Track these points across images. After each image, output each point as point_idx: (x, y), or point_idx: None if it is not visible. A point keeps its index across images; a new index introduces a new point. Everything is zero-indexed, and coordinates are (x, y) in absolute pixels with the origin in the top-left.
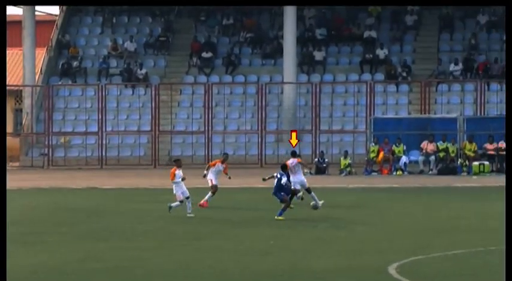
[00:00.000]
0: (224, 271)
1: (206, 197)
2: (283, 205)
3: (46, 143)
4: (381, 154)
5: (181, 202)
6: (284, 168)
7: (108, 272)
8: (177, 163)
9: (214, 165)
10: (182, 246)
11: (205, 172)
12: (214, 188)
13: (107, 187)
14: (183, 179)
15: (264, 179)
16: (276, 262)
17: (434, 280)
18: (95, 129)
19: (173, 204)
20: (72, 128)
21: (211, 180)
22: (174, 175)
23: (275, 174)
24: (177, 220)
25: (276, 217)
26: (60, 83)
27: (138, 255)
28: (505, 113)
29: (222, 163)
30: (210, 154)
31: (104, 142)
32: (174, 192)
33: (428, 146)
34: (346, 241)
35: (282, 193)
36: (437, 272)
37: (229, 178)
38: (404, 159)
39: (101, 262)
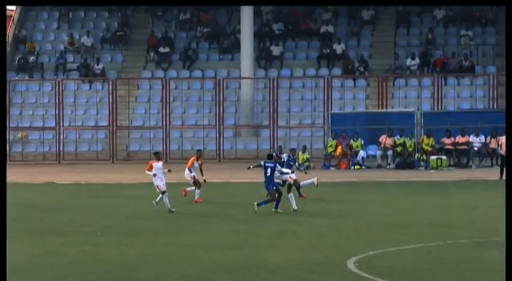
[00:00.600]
0: (182, 266)
1: (196, 195)
2: (268, 197)
3: (6, 132)
4: (339, 149)
5: (163, 193)
6: (270, 157)
7: (66, 267)
8: (157, 155)
9: (191, 165)
10: (141, 241)
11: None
12: (197, 182)
13: (64, 182)
14: (169, 171)
15: (248, 168)
16: (235, 257)
17: (392, 275)
18: (53, 124)
19: (157, 199)
20: (29, 124)
21: (194, 176)
22: (151, 166)
23: (261, 162)
24: (136, 216)
25: (256, 208)
26: (17, 78)
27: (96, 250)
28: (462, 108)
29: (197, 160)
30: (168, 149)
31: (61, 137)
32: (156, 184)
33: (386, 140)
34: (305, 235)
35: (274, 187)
36: (395, 266)
37: (204, 181)
38: (362, 153)
39: (59, 257)
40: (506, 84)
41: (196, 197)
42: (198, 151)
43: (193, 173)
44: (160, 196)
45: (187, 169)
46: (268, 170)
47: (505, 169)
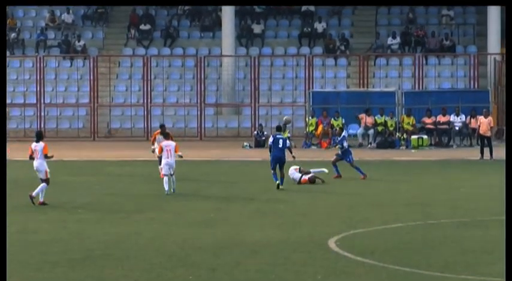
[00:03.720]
0: (164, 244)
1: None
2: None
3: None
4: (320, 128)
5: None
6: (280, 129)
7: (46, 244)
8: (165, 135)
9: (154, 139)
10: (122, 219)
11: (152, 146)
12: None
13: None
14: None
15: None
16: (215, 235)
17: (374, 254)
18: (34, 101)
19: (164, 185)
20: (10, 100)
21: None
22: (162, 147)
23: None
24: (117, 193)
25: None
26: None
27: (77, 227)
28: (443, 87)
29: (162, 134)
30: (149, 127)
31: (42, 114)
32: (161, 165)
33: (366, 119)
34: (286, 214)
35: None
36: (376, 245)
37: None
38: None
39: (39, 234)
40: (506, 84)
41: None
42: (162, 125)
43: (153, 147)
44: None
45: (151, 143)
46: (281, 142)
47: (485, 149)
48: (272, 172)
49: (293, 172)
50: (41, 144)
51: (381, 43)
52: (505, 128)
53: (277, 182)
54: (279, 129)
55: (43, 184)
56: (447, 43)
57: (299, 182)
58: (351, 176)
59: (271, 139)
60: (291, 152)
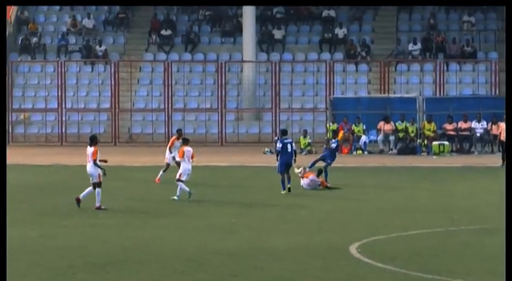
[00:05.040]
0: (184, 249)
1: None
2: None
3: (6, 119)
4: (341, 133)
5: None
6: (286, 133)
7: (68, 249)
8: (186, 141)
9: (172, 144)
10: (142, 224)
11: (169, 153)
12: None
13: (67, 163)
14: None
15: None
16: (236, 240)
17: (395, 260)
18: (55, 106)
19: (185, 188)
20: (32, 105)
21: (173, 157)
22: (183, 152)
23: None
24: (138, 198)
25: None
26: (19, 59)
27: (98, 232)
28: (464, 93)
29: (178, 139)
30: (170, 132)
31: (63, 118)
32: (181, 171)
33: (384, 126)
34: (307, 219)
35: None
36: (397, 252)
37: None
38: (364, 138)
39: (61, 239)
40: (506, 83)
41: (158, 177)
42: (178, 130)
43: (172, 154)
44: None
45: (168, 149)
46: (289, 146)
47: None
48: (281, 177)
49: (307, 181)
50: (91, 148)
51: (402, 49)
52: None
53: (289, 186)
54: (285, 133)
55: (89, 188)
56: (468, 49)
57: (320, 184)
58: (371, 183)
59: (279, 144)
60: (295, 156)
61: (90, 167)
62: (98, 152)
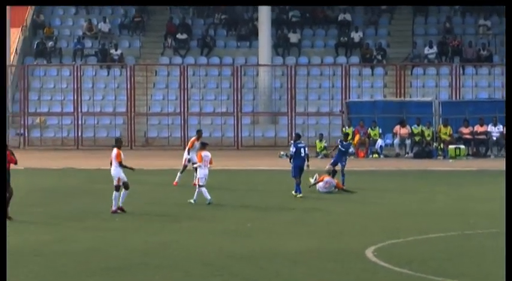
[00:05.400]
0: (201, 253)
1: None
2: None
3: (22, 123)
4: (357, 137)
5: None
6: (299, 137)
7: (84, 253)
8: (203, 146)
9: (192, 146)
10: (159, 228)
11: (187, 155)
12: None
13: (83, 167)
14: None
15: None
16: (253, 244)
17: (411, 264)
18: (71, 109)
19: (207, 195)
20: (47, 109)
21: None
22: (202, 157)
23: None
24: (155, 201)
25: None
26: (35, 63)
27: (114, 236)
28: (480, 97)
29: (198, 140)
30: (186, 136)
31: (79, 122)
32: (199, 176)
33: (400, 130)
34: (324, 223)
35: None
36: (414, 255)
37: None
38: (380, 142)
39: (77, 243)
40: (506, 83)
41: (176, 179)
42: (198, 131)
43: (190, 155)
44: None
45: (186, 150)
46: (302, 150)
47: None
48: (296, 181)
49: (322, 184)
50: (114, 151)
51: (418, 53)
52: None
53: (301, 195)
54: (298, 137)
55: (124, 191)
56: (484, 53)
57: (336, 186)
58: (388, 186)
59: (293, 148)
60: (308, 160)
61: (112, 169)
62: (122, 154)
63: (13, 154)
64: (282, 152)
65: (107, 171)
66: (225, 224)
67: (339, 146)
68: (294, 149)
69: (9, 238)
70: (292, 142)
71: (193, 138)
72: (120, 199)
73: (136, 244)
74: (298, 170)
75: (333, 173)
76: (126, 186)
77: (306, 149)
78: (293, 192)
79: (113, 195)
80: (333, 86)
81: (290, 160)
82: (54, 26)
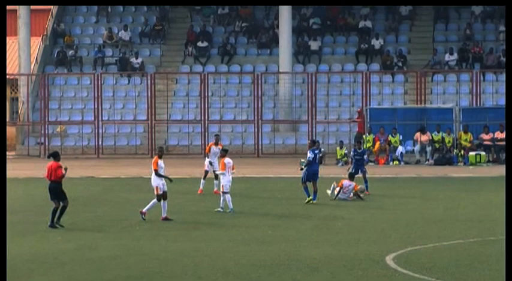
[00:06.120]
0: (221, 261)
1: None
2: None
3: (42, 132)
4: (377, 144)
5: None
6: (314, 143)
7: (104, 261)
8: (224, 152)
9: (209, 150)
10: (179, 236)
11: (208, 159)
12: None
13: (103, 176)
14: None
15: (301, 169)
16: (273, 252)
17: (432, 271)
18: (91, 118)
19: (230, 203)
20: (68, 117)
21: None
22: (224, 164)
23: (308, 157)
24: (174, 210)
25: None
26: (55, 72)
27: (134, 244)
28: (500, 104)
29: (216, 144)
30: (206, 144)
31: (100, 131)
32: (223, 183)
33: (421, 137)
34: (343, 230)
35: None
36: (434, 262)
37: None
38: (400, 149)
39: (97, 251)
40: (506, 83)
41: (200, 187)
42: (216, 135)
43: (209, 160)
44: (226, 196)
45: (206, 155)
46: (317, 156)
47: None
48: (304, 185)
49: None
50: (154, 159)
51: (438, 59)
52: None
53: (310, 197)
54: (314, 143)
55: (154, 200)
56: (505, 59)
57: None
58: (408, 193)
59: (311, 155)
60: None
61: (151, 178)
62: (158, 162)
63: (61, 167)
64: (302, 160)
65: (127, 179)
66: (245, 232)
67: (352, 155)
68: (313, 155)
69: (30, 247)
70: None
71: (210, 143)
72: (162, 210)
73: (156, 252)
74: (312, 175)
75: (350, 176)
76: (163, 196)
77: (320, 154)
78: (309, 199)
79: (152, 202)
80: (354, 93)
81: (305, 166)
82: (74, 34)
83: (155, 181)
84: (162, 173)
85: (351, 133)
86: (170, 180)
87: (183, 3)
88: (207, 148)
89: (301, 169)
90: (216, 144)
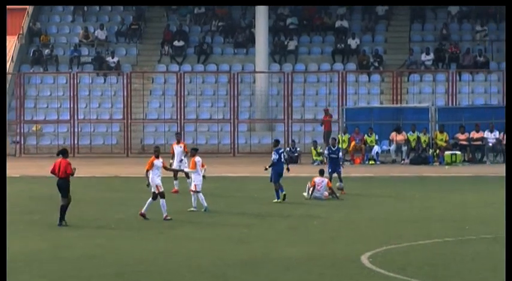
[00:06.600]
0: (197, 260)
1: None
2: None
3: (18, 131)
4: (353, 143)
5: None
6: (279, 143)
7: (80, 260)
8: (194, 152)
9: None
10: (155, 235)
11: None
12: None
13: (79, 175)
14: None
15: (266, 169)
16: (249, 251)
17: (406, 270)
18: (67, 117)
19: (204, 202)
20: (44, 116)
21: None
22: (195, 163)
23: (272, 158)
24: (150, 209)
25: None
26: (31, 71)
27: (110, 243)
28: (476, 104)
29: (178, 143)
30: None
31: (75, 130)
32: (196, 182)
33: (396, 136)
34: (319, 230)
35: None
36: (409, 261)
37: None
38: (376, 148)
39: (73, 250)
40: (506, 83)
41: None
42: (176, 134)
43: (173, 160)
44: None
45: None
46: (282, 156)
47: None
48: (275, 187)
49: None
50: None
51: (415, 59)
52: None
53: (284, 193)
54: (278, 143)
55: (149, 200)
56: (481, 59)
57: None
58: (383, 193)
59: (276, 156)
60: (287, 164)
61: (149, 178)
62: (154, 162)
63: (70, 165)
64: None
65: (103, 178)
66: (221, 231)
67: (327, 154)
68: (277, 156)
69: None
70: (289, 147)
71: (173, 143)
72: (162, 209)
73: (132, 251)
74: (280, 175)
75: (320, 172)
76: (161, 195)
77: (285, 154)
78: (275, 200)
79: (148, 202)
80: (330, 93)
81: (270, 166)
82: (50, 33)
83: (155, 180)
84: (158, 174)
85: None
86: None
87: (161, 4)
88: (171, 149)
89: (265, 169)
90: (178, 142)
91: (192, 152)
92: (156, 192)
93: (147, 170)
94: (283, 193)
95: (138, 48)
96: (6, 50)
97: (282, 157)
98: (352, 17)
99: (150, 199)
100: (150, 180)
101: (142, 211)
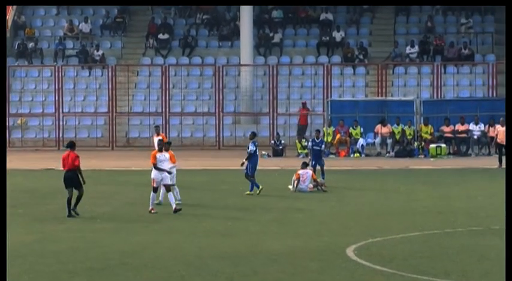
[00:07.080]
0: (182, 253)
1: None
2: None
3: (6, 121)
4: (338, 136)
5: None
6: (254, 135)
7: (65, 253)
8: (168, 146)
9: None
10: (140, 228)
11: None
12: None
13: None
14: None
15: (242, 164)
16: (234, 244)
17: (392, 262)
18: (52, 110)
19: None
20: (29, 110)
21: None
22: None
23: (250, 149)
24: (135, 202)
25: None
26: (16, 64)
27: (95, 237)
28: (461, 96)
29: (157, 135)
30: (167, 136)
31: (61, 123)
32: (175, 174)
33: (381, 129)
34: (304, 223)
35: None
36: (394, 254)
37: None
38: (361, 141)
39: (58, 243)
40: (506, 83)
41: None
42: (155, 126)
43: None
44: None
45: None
46: (257, 149)
47: (503, 157)
48: (252, 179)
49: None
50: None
51: (400, 52)
52: None
53: (261, 187)
54: (255, 135)
55: (152, 193)
56: (466, 52)
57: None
58: (369, 186)
59: (253, 147)
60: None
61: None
62: (156, 155)
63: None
64: (263, 152)
65: (88, 171)
66: (206, 224)
67: (310, 146)
68: (254, 148)
69: None
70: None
71: (153, 136)
72: (170, 201)
73: (117, 245)
74: (255, 168)
75: (304, 165)
76: (167, 188)
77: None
78: (248, 192)
79: (151, 195)
80: (315, 86)
81: (247, 159)
82: (35, 26)
83: (153, 174)
84: (161, 167)
85: (312, 125)
86: (169, 173)
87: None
88: (152, 142)
89: (242, 164)
90: (158, 135)
91: (166, 146)
92: (152, 185)
93: (154, 164)
94: (260, 187)
95: (123, 41)
96: None
97: (257, 149)
98: (337, 9)
99: (152, 192)
100: (152, 173)
101: (150, 208)
